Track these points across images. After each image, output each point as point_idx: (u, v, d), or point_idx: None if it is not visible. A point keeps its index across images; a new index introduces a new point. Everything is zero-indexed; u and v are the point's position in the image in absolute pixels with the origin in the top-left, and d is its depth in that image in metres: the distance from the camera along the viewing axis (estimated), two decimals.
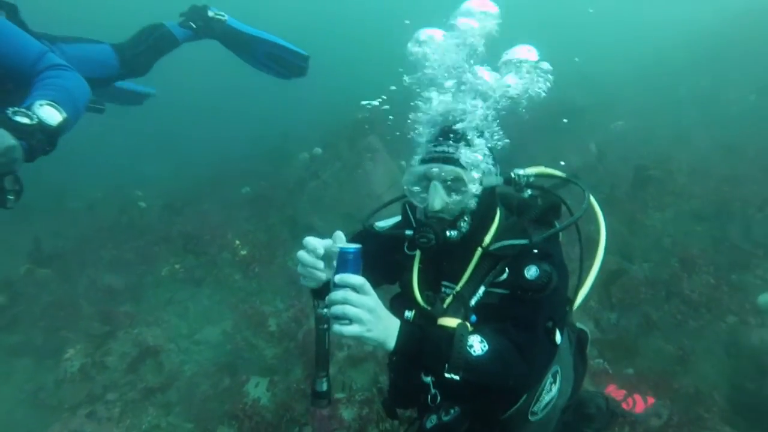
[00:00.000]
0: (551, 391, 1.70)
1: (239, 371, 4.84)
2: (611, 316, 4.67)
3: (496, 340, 1.37)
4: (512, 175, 1.71)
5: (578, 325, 1.96)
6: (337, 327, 1.25)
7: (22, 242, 7.67)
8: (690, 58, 12.41)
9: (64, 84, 1.99)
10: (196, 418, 4.24)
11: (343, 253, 1.28)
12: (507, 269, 1.51)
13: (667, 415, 3.31)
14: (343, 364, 4.56)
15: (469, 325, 1.44)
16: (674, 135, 8.90)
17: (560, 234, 1.61)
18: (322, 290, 1.42)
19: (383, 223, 1.79)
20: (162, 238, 7.65)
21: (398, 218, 1.82)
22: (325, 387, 1.45)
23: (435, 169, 1.47)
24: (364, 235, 1.74)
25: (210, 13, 3.36)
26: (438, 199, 1.46)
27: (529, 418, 1.64)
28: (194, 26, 3.33)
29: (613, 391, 3.00)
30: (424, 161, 1.52)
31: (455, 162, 1.47)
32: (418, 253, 1.67)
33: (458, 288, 1.55)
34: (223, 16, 3.42)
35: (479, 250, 1.55)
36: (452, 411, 1.56)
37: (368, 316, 1.25)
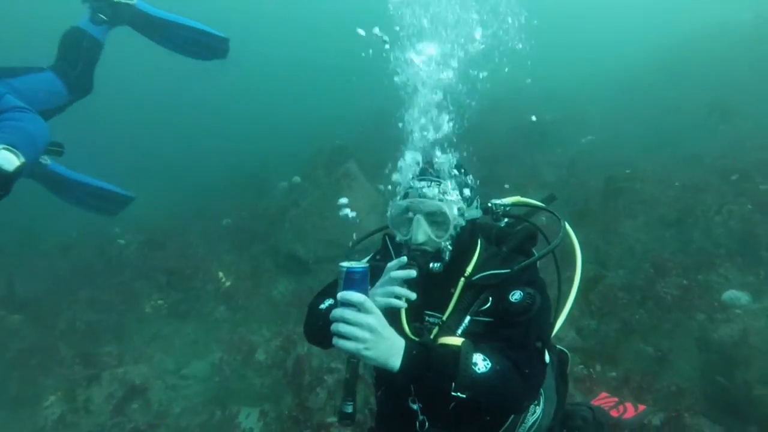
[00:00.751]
0: (535, 412, 1.75)
1: (229, 403, 4.80)
2: (591, 323, 4.82)
3: (496, 358, 1.40)
4: (489, 205, 1.78)
5: (558, 346, 2.04)
6: (334, 341, 1.28)
7: None
8: (654, 74, 13.12)
9: (23, 126, 1.94)
10: None
11: (350, 272, 1.30)
12: (490, 298, 1.55)
13: (660, 419, 3.39)
14: (333, 388, 4.57)
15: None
16: (640, 147, 9.35)
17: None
18: None
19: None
20: (143, 274, 7.55)
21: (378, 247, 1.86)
22: (350, 410, 1.49)
23: (417, 203, 1.53)
24: None
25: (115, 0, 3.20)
26: (421, 232, 1.51)
27: None
28: (105, 18, 3.17)
29: (605, 399, 3.07)
30: (406, 195, 1.58)
31: (437, 196, 1.53)
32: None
33: (444, 318, 1.56)
34: (131, 0, 3.26)
35: (462, 281, 1.58)
36: None
37: (367, 335, 1.26)
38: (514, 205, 1.91)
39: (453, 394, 1.31)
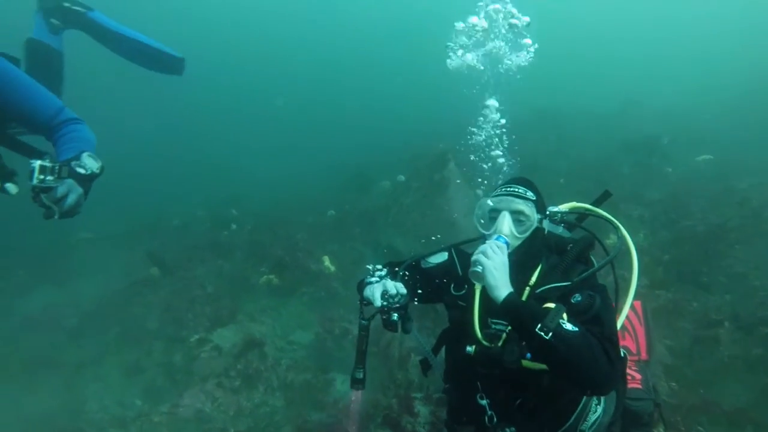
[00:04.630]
0: (596, 411, 1.82)
1: (328, 369, 5.47)
2: (685, 342, 4.72)
3: (587, 333, 1.48)
4: (547, 212, 1.90)
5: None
6: (474, 258, 1.61)
7: (134, 257, 9.07)
8: None
9: (87, 137, 2.33)
10: (294, 402, 4.93)
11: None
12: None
13: None
14: (418, 367, 4.98)
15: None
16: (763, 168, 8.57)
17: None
18: (365, 310, 1.83)
19: (433, 259, 2.07)
20: (255, 254, 8.54)
21: (444, 256, 2.04)
22: (360, 375, 1.76)
23: (507, 200, 1.76)
24: (413, 267, 2.02)
25: (66, 4, 3.17)
26: (506, 225, 1.71)
27: None
28: (58, 23, 3.19)
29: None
30: (495, 197, 1.82)
31: (523, 198, 1.76)
32: (478, 292, 1.78)
33: (511, 326, 1.66)
34: (82, 8, 3.22)
35: (527, 290, 1.71)
36: (507, 430, 1.70)
37: (498, 261, 1.57)
38: (571, 211, 2.04)
39: (537, 331, 1.42)
